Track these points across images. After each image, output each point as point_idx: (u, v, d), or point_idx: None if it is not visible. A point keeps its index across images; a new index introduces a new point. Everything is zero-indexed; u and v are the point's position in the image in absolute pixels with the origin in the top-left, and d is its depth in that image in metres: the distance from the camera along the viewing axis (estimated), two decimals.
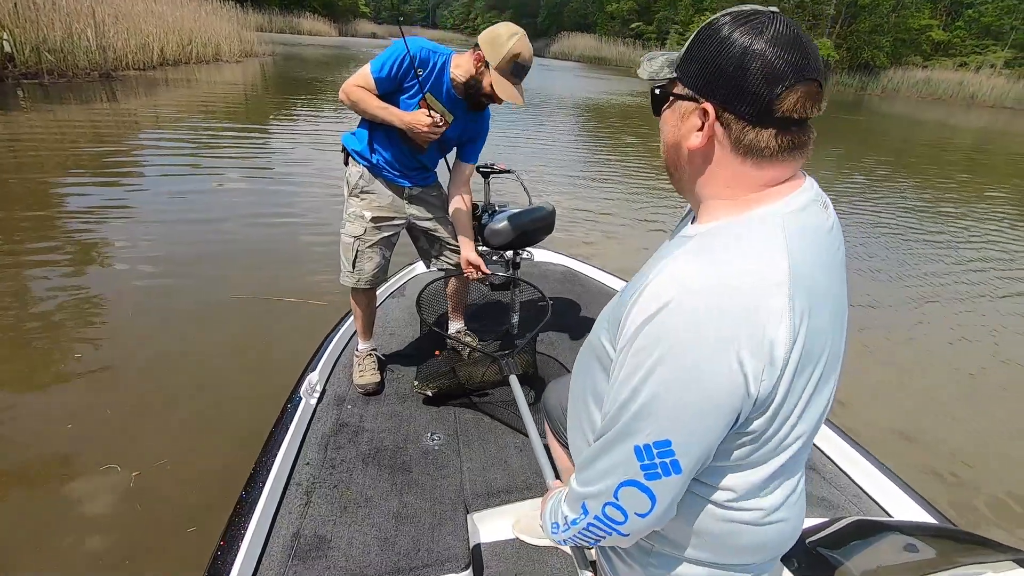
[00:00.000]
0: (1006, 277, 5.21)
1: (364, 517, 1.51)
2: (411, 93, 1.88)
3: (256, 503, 1.45)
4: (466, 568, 1.38)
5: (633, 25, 41.95)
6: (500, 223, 2.34)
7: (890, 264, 5.26)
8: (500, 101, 1.88)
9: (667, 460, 0.68)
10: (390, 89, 1.87)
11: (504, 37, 1.78)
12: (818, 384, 0.72)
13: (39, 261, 3.84)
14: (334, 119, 10.12)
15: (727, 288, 0.65)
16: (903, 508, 1.63)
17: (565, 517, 0.84)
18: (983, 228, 6.79)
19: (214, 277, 3.86)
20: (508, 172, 2.75)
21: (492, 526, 1.59)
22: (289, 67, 18.45)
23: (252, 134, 8.45)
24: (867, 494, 1.72)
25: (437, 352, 2.32)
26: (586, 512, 0.79)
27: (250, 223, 4.91)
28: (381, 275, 2.13)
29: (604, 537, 0.79)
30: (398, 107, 1.89)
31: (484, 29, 1.90)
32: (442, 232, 2.17)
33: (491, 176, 2.71)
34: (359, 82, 1.85)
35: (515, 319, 2.53)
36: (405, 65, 1.81)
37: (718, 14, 0.70)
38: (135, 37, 12.63)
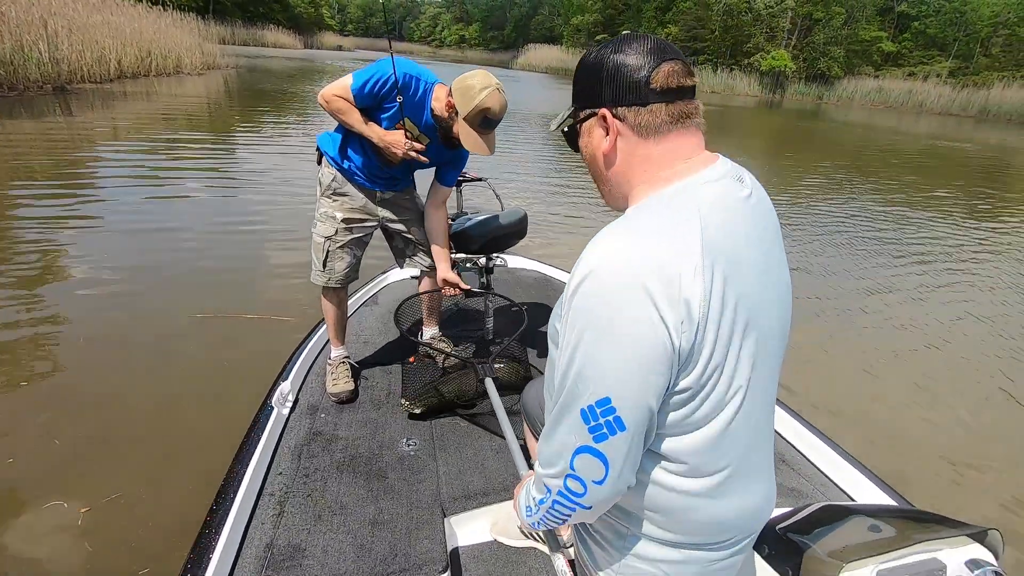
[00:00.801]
0: (942, 269, 5.43)
1: (339, 525, 1.50)
2: (390, 113, 1.88)
3: (227, 514, 1.42)
4: (444, 571, 1.38)
5: (598, 37, 42.66)
6: (471, 228, 2.36)
7: (839, 260, 5.43)
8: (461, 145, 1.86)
9: (610, 418, 0.72)
10: (368, 105, 1.86)
11: (475, 89, 1.76)
12: (747, 347, 0.76)
13: None
14: (300, 132, 9.96)
15: (642, 251, 0.71)
16: (866, 492, 1.69)
17: (534, 498, 0.89)
18: (926, 223, 7.07)
19: (172, 296, 3.69)
20: (480, 180, 2.75)
21: (469, 529, 1.59)
22: (254, 79, 18.15)
23: (214, 147, 8.24)
24: (833, 481, 1.79)
25: (411, 359, 2.29)
26: (549, 491, 0.83)
27: (211, 237, 4.77)
28: (352, 274, 2.12)
29: (570, 513, 0.83)
30: (376, 123, 1.89)
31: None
32: (416, 234, 2.17)
33: (463, 184, 2.71)
34: (339, 92, 1.83)
35: (489, 324, 2.52)
36: (387, 87, 1.81)
37: (586, 52, 0.84)
38: (91, 49, 12.24)
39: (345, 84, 1.83)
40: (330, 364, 2.15)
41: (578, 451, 0.76)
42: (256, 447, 1.67)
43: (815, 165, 11.38)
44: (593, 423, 0.74)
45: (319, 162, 2.05)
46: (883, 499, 1.65)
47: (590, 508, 0.80)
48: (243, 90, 15.52)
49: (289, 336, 3.04)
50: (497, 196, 2.81)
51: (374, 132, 1.88)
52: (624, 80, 0.77)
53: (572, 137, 0.89)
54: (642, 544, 0.87)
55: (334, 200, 2.03)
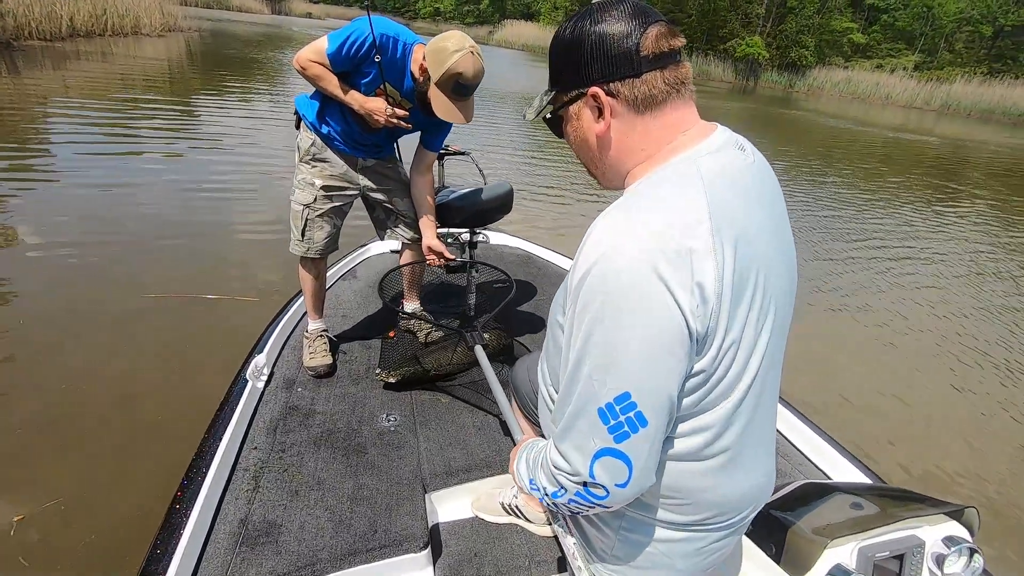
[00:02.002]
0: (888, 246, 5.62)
1: (317, 500, 1.46)
2: (369, 78, 1.78)
3: (199, 489, 1.37)
4: (424, 548, 1.37)
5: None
6: (455, 201, 2.30)
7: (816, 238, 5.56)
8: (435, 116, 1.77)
9: (631, 414, 0.68)
10: (345, 70, 1.76)
11: (447, 52, 1.64)
12: (761, 315, 0.73)
13: None
14: (265, 99, 9.58)
15: (651, 234, 0.67)
16: (843, 471, 1.73)
17: (544, 488, 0.82)
18: (885, 207, 7.30)
19: (127, 272, 3.47)
20: (463, 153, 2.70)
21: (451, 505, 1.58)
22: (218, 44, 17.35)
23: (175, 112, 7.86)
24: (809, 460, 1.82)
25: (391, 333, 2.25)
26: (566, 490, 0.78)
27: (169, 209, 4.54)
28: (332, 244, 2.05)
29: (587, 510, 0.79)
30: (356, 88, 1.79)
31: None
32: (399, 205, 2.10)
33: (445, 157, 2.66)
34: (314, 56, 1.73)
35: (472, 300, 2.50)
36: (365, 48, 1.70)
37: (559, 28, 0.77)
38: (39, 4, 11.46)
39: (320, 47, 1.72)
40: (307, 337, 2.09)
41: (598, 455, 0.71)
42: (230, 421, 1.62)
43: (784, 151, 11.57)
44: (613, 422, 0.69)
45: (297, 126, 1.96)
46: (859, 477, 1.69)
47: (611, 507, 0.78)
48: (206, 54, 14.82)
49: (253, 317, 2.89)
50: (480, 170, 2.76)
51: (354, 99, 1.79)
52: (612, 50, 0.70)
53: (556, 123, 0.81)
54: (642, 525, 0.85)
55: (313, 166, 1.94)
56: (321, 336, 2.08)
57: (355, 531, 1.39)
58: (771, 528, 1.15)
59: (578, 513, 0.83)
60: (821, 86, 34.09)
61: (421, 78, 1.75)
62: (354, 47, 1.70)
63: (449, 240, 2.68)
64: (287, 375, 1.98)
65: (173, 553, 1.21)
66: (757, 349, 0.74)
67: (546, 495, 0.82)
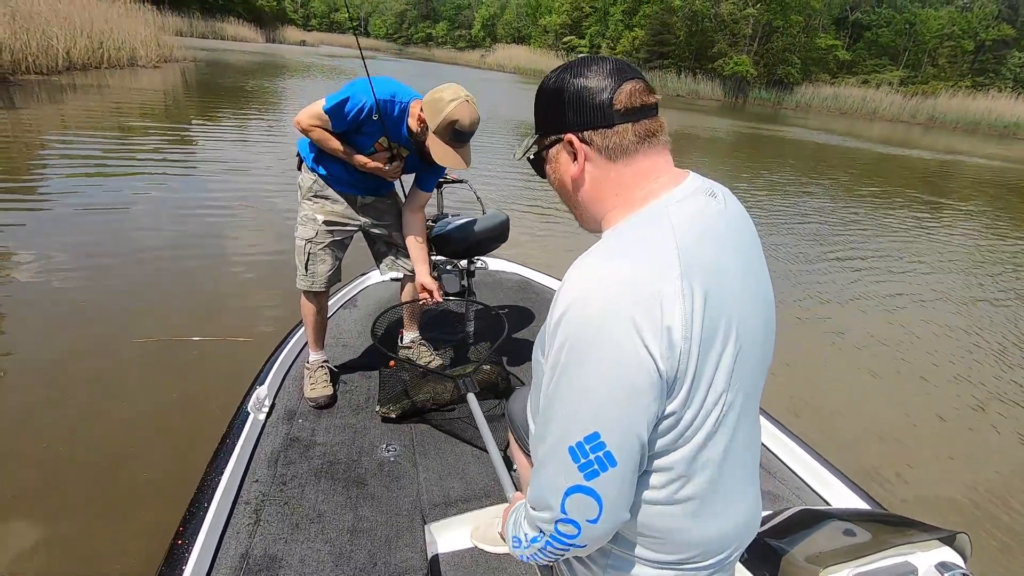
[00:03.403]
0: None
1: (317, 533, 1.47)
2: (368, 136, 1.88)
3: (201, 524, 1.38)
4: None
5: (566, 39, 42.97)
6: (452, 231, 2.36)
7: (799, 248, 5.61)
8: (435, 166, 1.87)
9: (600, 453, 0.70)
10: (347, 130, 1.85)
11: (444, 102, 1.74)
12: (732, 359, 0.75)
13: None
14: (261, 129, 9.68)
15: (621, 281, 0.70)
16: (841, 496, 1.74)
17: (525, 535, 0.85)
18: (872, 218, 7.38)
19: (116, 314, 3.34)
20: (461, 182, 2.76)
21: (450, 536, 1.58)
22: (214, 73, 17.56)
23: (171, 144, 7.92)
24: (809, 486, 1.83)
25: (391, 363, 2.27)
26: (542, 533, 0.80)
27: (163, 243, 4.52)
28: (335, 277, 2.11)
29: (564, 552, 0.80)
30: (350, 142, 1.89)
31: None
32: (398, 239, 2.17)
33: (444, 185, 2.72)
34: (315, 121, 1.82)
35: (470, 328, 2.51)
36: (365, 113, 1.80)
37: (545, 78, 0.83)
38: (36, 39, 11.61)
39: (317, 111, 1.81)
40: (308, 368, 2.11)
41: (568, 492, 0.74)
42: (231, 454, 1.63)
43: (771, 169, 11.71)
44: (583, 460, 0.71)
45: (299, 167, 2.05)
46: (857, 503, 1.70)
47: (585, 546, 0.79)
48: (202, 84, 14.98)
49: (246, 359, 2.77)
50: (478, 198, 2.81)
51: (357, 161, 1.90)
52: (587, 103, 0.77)
53: (539, 164, 0.88)
54: (624, 564, 0.86)
55: (315, 202, 2.02)
56: (322, 367, 2.11)
57: (355, 564, 1.38)
58: (765, 556, 1.16)
59: (556, 559, 0.85)
60: (809, 102, 34.67)
61: (418, 129, 1.83)
62: (353, 111, 1.78)
63: (449, 268, 2.70)
64: (288, 406, 1.99)
65: None
66: (728, 392, 0.76)
67: (528, 546, 0.84)
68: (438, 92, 1.78)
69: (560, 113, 0.79)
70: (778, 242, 6.36)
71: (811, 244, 6.47)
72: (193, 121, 9.82)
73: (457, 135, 1.78)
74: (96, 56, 13.88)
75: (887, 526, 1.24)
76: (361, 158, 1.90)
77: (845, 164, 13.76)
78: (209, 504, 1.44)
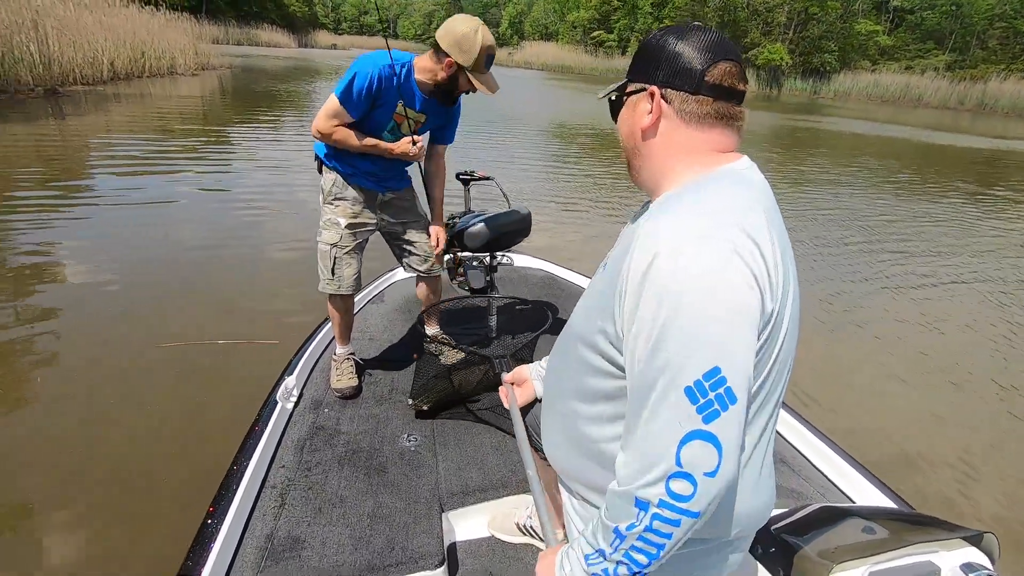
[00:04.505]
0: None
1: (339, 517, 1.52)
2: (386, 104, 1.89)
3: (229, 505, 1.45)
4: (440, 565, 1.40)
5: (594, 34, 42.59)
6: (475, 226, 2.39)
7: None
8: (474, 90, 1.89)
9: (720, 390, 0.65)
10: (365, 109, 1.87)
11: (470, 37, 1.77)
12: (792, 313, 0.75)
13: None
14: (296, 132, 9.88)
15: (714, 216, 0.71)
16: (867, 495, 1.69)
17: (607, 536, 0.73)
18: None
19: (147, 317, 3.41)
20: (488, 179, 2.80)
21: (467, 524, 1.61)
22: (249, 79, 18.05)
23: (209, 149, 8.17)
24: (833, 483, 1.78)
25: (416, 356, 2.28)
26: (644, 507, 0.69)
27: (197, 244, 4.65)
28: (359, 280, 2.15)
29: (673, 530, 0.68)
30: (370, 126, 1.91)
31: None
32: (412, 236, 2.20)
33: (471, 183, 2.74)
34: (334, 119, 1.85)
35: (492, 323, 2.52)
36: (376, 82, 1.81)
37: (655, 30, 0.85)
38: (82, 51, 12.13)
39: (331, 108, 1.84)
40: (335, 360, 2.17)
41: (685, 439, 0.66)
42: (260, 440, 1.70)
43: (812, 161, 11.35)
44: (703, 400, 0.65)
45: (320, 170, 2.08)
46: (884, 502, 1.65)
47: (699, 514, 0.68)
48: (238, 90, 15.43)
49: (274, 360, 2.67)
50: (504, 194, 2.82)
51: (382, 149, 1.93)
52: (681, 65, 0.78)
53: (616, 107, 0.89)
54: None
55: (336, 205, 2.05)
56: (348, 359, 2.17)
57: (374, 548, 1.42)
58: (780, 552, 1.14)
59: (655, 553, 0.71)
60: (847, 91, 33.53)
61: (446, 75, 1.84)
62: (364, 86, 1.80)
63: (475, 264, 2.72)
64: (315, 396, 2.06)
65: (204, 565, 1.28)
66: (784, 354, 0.76)
67: (615, 549, 0.72)
68: (454, 31, 1.77)
69: (654, 66, 0.81)
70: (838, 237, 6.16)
71: (869, 243, 6.24)
72: (229, 125, 10.11)
73: (489, 60, 1.82)
74: (138, 66, 14.43)
75: (910, 524, 1.21)
76: (385, 145, 1.92)
77: (890, 153, 13.25)
78: (238, 487, 1.51)
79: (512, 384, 1.25)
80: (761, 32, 34.38)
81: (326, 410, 2.00)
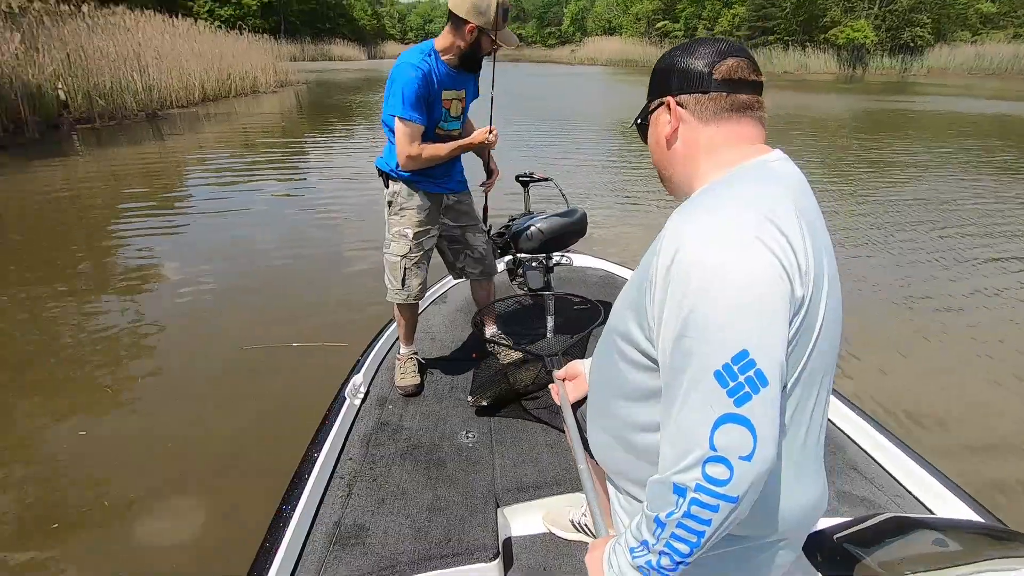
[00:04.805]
0: None
1: (400, 508, 1.60)
2: (436, 101, 1.99)
3: (301, 494, 1.56)
4: (494, 558, 1.43)
5: (659, 24, 41.48)
6: (528, 229, 2.43)
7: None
8: (499, 48, 1.98)
9: (750, 373, 0.66)
10: (424, 111, 1.95)
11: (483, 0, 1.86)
12: (824, 316, 0.74)
13: (57, 301, 3.99)
14: (366, 141, 10.32)
15: (732, 206, 0.72)
16: (949, 507, 1.56)
17: (650, 526, 0.73)
18: None
19: (231, 321, 3.72)
20: (546, 180, 2.81)
21: (522, 520, 1.64)
22: (323, 93, 19.04)
23: (288, 161, 8.69)
24: (910, 492, 1.67)
25: (475, 354, 2.38)
26: (682, 493, 0.68)
27: (273, 258, 4.93)
28: (425, 287, 2.25)
29: (711, 516, 0.67)
30: (430, 120, 2.00)
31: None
32: (471, 240, 2.28)
33: (530, 185, 2.78)
34: (415, 140, 1.95)
35: (550, 323, 2.54)
36: (421, 83, 1.91)
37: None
38: (178, 77, 13.25)
39: (406, 129, 1.92)
40: (399, 359, 2.27)
41: (718, 423, 0.66)
42: (329, 433, 1.82)
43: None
44: (732, 383, 0.65)
45: (386, 184, 2.14)
46: (968, 515, 1.51)
47: (737, 501, 0.67)
48: (313, 104, 16.32)
49: (342, 361, 2.73)
50: (563, 194, 2.84)
51: (462, 146, 2.04)
52: (689, 70, 0.83)
53: (644, 130, 0.93)
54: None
55: (402, 216, 2.12)
56: (411, 359, 2.26)
57: (432, 539, 1.49)
58: (841, 561, 1.08)
59: (696, 541, 0.70)
60: (944, 66, 30.69)
61: (469, 42, 1.92)
62: (415, 88, 1.89)
63: (534, 264, 2.74)
64: (380, 393, 2.17)
65: (278, 549, 1.38)
66: (821, 347, 0.75)
67: (658, 538, 0.71)
68: None
69: (666, 81, 0.86)
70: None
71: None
72: (305, 136, 10.73)
73: (505, 14, 1.91)
74: (225, 87, 15.57)
75: (992, 539, 1.12)
76: (466, 140, 2.05)
77: (994, 132, 12.03)
78: (309, 477, 1.62)
79: (564, 380, 1.26)
80: (842, 10, 32.16)
81: (390, 407, 2.10)
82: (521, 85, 20.99)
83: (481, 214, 2.38)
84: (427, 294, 2.88)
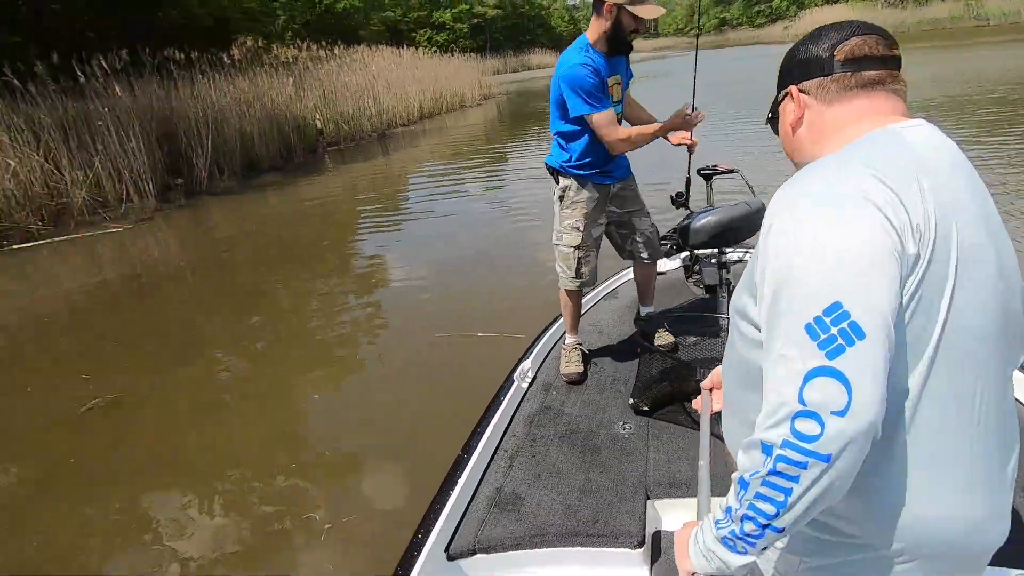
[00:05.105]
0: None
1: (554, 485, 1.70)
2: (605, 92, 2.07)
3: (468, 461, 1.75)
4: (639, 546, 1.45)
5: None
6: (696, 222, 2.36)
7: None
8: (644, 25, 1.99)
9: (844, 324, 0.61)
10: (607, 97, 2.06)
11: None
12: (962, 296, 0.66)
13: (313, 292, 4.88)
14: None
15: (837, 167, 0.70)
16: None
17: (735, 490, 0.70)
18: None
19: (428, 312, 4.22)
20: (732, 172, 2.71)
21: (673, 515, 1.64)
22: (522, 102, 20.25)
23: (489, 163, 9.49)
24: None
25: (639, 350, 2.39)
26: (768, 451, 0.64)
27: (468, 255, 5.39)
28: (594, 276, 2.36)
29: (799, 473, 0.61)
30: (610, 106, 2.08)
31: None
32: (638, 224, 2.33)
33: (713, 177, 2.71)
34: (613, 123, 2.06)
35: (724, 322, 2.42)
36: (593, 78, 2.00)
37: None
38: (401, 100, 15.32)
39: (601, 117, 2.03)
40: (564, 348, 2.37)
41: (808, 377, 0.62)
42: (497, 411, 2.01)
43: None
44: (824, 336, 0.61)
45: (556, 180, 2.28)
46: None
47: (829, 460, 0.60)
48: (513, 113, 17.51)
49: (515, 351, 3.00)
50: (749, 187, 2.65)
51: (665, 127, 2.10)
52: (809, 58, 0.82)
53: (775, 124, 0.93)
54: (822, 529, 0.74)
55: (573, 209, 2.23)
56: (576, 348, 2.34)
57: (580, 517, 1.56)
58: None
59: (783, 501, 0.64)
60: None
61: (610, 23, 1.97)
62: (590, 82, 1.99)
63: (712, 261, 2.60)
64: (546, 380, 2.30)
65: (445, 506, 1.56)
66: (971, 315, 0.67)
67: (735, 503, 0.69)
68: None
69: (789, 72, 0.86)
70: None
71: None
72: (504, 142, 11.62)
73: None
74: (438, 105, 17.50)
75: None
76: (668, 123, 2.09)
77: None
78: (476, 447, 1.82)
79: (711, 389, 1.19)
80: None
81: (554, 392, 2.21)
82: (722, 72, 19.66)
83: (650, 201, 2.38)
84: (597, 289, 2.98)
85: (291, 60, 15.90)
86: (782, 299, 0.66)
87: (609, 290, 3.06)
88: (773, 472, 0.63)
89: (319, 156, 11.72)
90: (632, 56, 2.19)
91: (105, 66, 8.30)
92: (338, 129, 12.62)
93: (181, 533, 2.35)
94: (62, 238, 6.49)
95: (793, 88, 0.84)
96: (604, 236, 2.39)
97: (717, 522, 0.74)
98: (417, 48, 23.41)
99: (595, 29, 2.02)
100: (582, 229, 2.21)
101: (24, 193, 6.71)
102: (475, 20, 39.42)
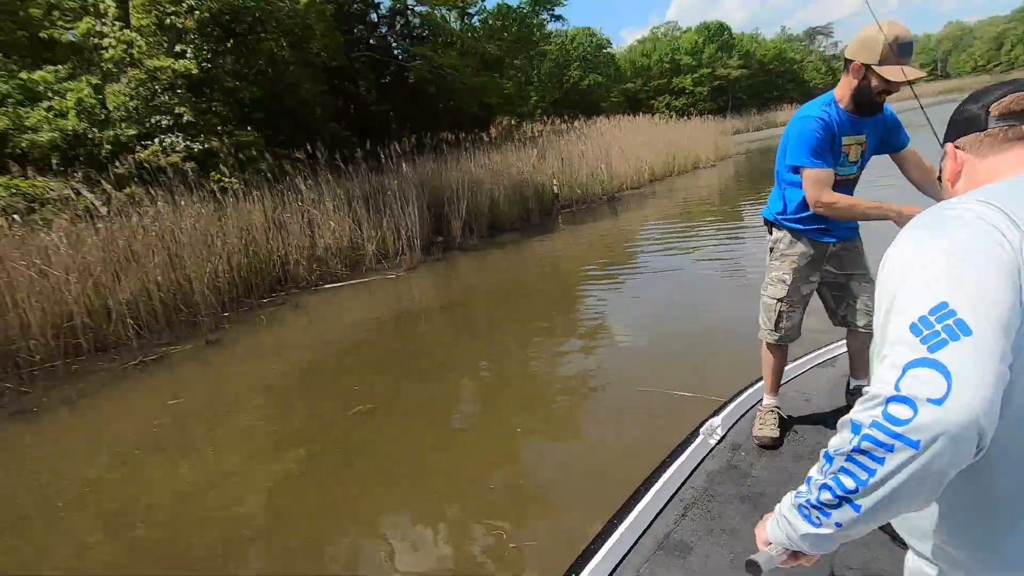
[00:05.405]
0: None
1: (726, 543, 1.67)
2: (835, 149, 2.00)
3: (635, 505, 1.80)
4: None
5: None
6: None
7: None
8: (896, 87, 1.84)
9: (949, 321, 0.61)
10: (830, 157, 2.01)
11: (873, 34, 1.78)
12: None
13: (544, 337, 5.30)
14: None
15: (961, 199, 0.74)
16: None
17: (820, 464, 0.72)
18: None
19: (639, 366, 4.25)
20: None
21: None
22: (761, 160, 19.12)
23: (716, 227, 9.21)
24: None
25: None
26: (856, 429, 0.64)
27: (683, 313, 5.36)
28: (798, 332, 2.25)
29: (885, 455, 0.60)
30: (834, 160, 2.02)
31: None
32: (856, 290, 2.13)
33: None
34: (825, 183, 1.93)
35: None
36: (822, 133, 1.93)
37: None
38: (632, 165, 15.89)
39: (814, 174, 1.93)
40: (760, 410, 2.27)
41: (907, 367, 0.61)
42: (675, 461, 2.01)
43: None
44: (927, 332, 0.61)
45: (770, 232, 2.26)
46: None
47: (918, 446, 0.58)
48: (749, 172, 16.69)
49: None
50: None
51: (885, 210, 1.84)
52: (966, 116, 0.88)
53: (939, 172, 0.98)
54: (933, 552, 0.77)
55: (783, 261, 2.18)
56: (773, 411, 2.22)
57: None
58: None
59: (867, 476, 0.62)
60: None
61: (858, 83, 1.87)
62: (820, 135, 1.92)
63: None
64: (736, 440, 2.22)
65: (603, 546, 1.62)
66: None
67: (816, 475, 0.72)
68: (860, 34, 1.83)
69: (949, 130, 0.92)
70: None
71: None
72: (739, 202, 11.20)
73: (903, 49, 1.76)
74: (669, 167, 17.63)
75: None
76: (893, 207, 1.82)
77: None
78: (647, 492, 1.85)
79: None
80: None
81: (742, 453, 2.14)
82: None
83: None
84: (812, 355, 2.79)
85: (537, 134, 17.89)
86: (893, 308, 0.69)
87: (826, 358, 2.83)
88: (858, 449, 0.63)
89: (553, 217, 12.79)
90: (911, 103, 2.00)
91: (399, 149, 10.68)
92: (572, 192, 13.64)
93: (396, 519, 2.88)
94: (355, 281, 8.32)
95: (949, 145, 0.90)
96: (818, 297, 2.25)
97: (797, 492, 0.77)
98: (654, 114, 24.05)
99: (843, 86, 1.96)
100: (788, 283, 2.14)
101: (337, 246, 8.86)
102: (716, 82, 38.87)
